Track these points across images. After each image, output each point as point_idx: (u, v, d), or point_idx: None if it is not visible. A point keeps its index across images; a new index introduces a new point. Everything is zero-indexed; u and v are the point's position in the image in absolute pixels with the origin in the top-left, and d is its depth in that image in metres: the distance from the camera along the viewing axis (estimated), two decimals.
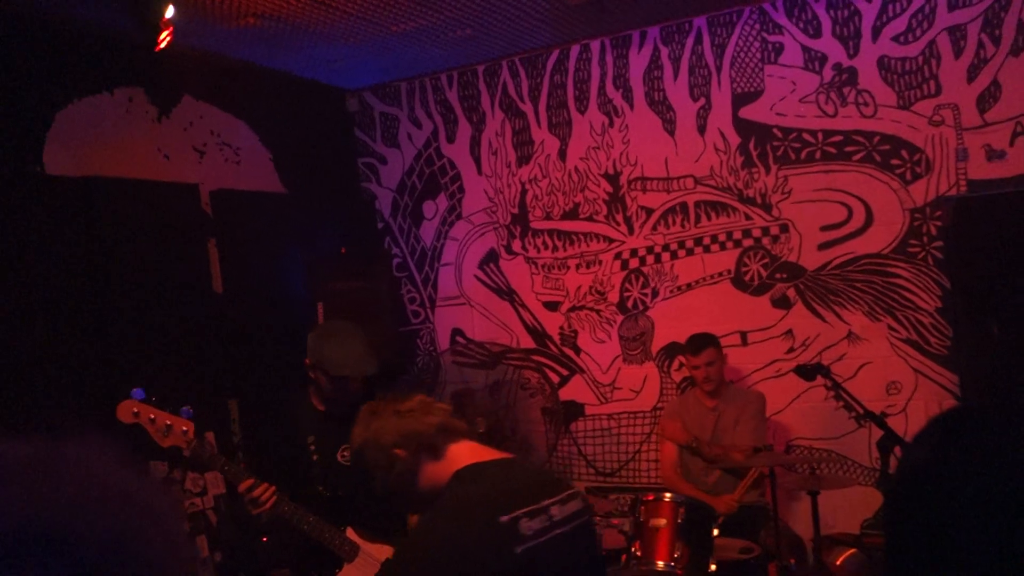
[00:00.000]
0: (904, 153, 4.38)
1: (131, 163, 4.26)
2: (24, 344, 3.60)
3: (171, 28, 3.66)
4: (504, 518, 1.88)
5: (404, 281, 5.74)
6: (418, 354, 5.71)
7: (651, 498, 3.56)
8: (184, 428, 2.86)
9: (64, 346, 3.74)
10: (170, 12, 3.59)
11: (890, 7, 4.36)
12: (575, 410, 5.25)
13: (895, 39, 4.37)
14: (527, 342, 5.37)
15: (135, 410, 2.79)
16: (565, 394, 5.27)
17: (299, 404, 3.27)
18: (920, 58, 4.32)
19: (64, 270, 3.82)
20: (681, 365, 4.90)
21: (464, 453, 2.09)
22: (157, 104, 4.44)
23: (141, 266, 4.12)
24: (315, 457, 3.33)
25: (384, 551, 3.14)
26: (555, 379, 5.29)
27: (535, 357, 5.34)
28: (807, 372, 3.63)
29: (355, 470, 3.22)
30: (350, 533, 3.20)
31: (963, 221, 4.14)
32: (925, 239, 4.35)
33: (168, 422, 2.84)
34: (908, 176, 4.38)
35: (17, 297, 3.60)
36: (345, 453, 3.26)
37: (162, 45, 3.68)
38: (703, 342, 4.40)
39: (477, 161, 5.46)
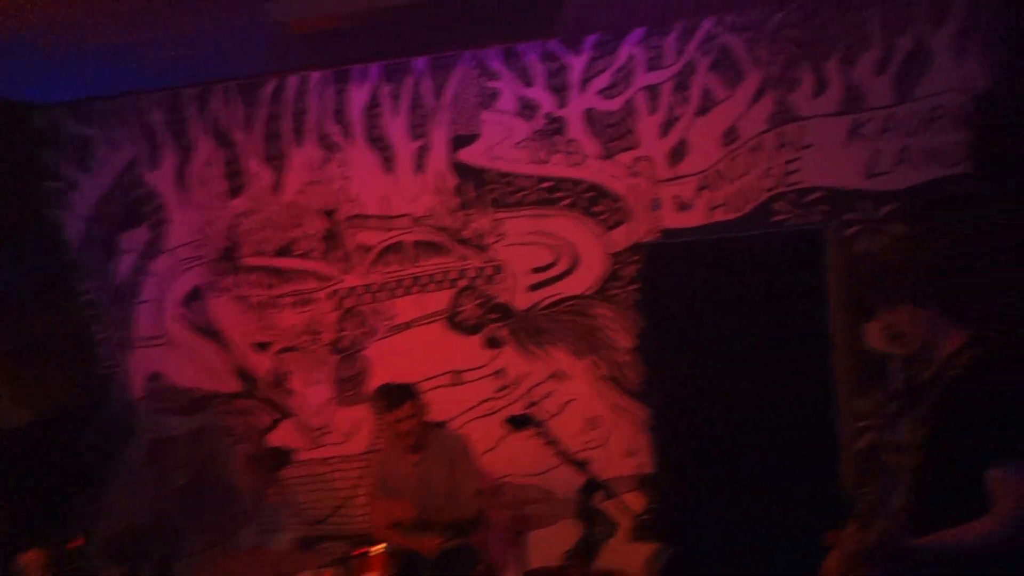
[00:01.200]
0: (607, 201, 4.64)
1: None
2: None
3: None
4: None
5: (95, 320, 5.17)
6: (111, 400, 5.15)
7: (360, 552, 3.40)
8: None
9: None
10: None
11: (596, 63, 4.63)
12: (284, 456, 4.95)
13: (600, 93, 4.64)
14: (234, 386, 5.02)
15: None
16: (274, 439, 4.97)
17: None
18: (621, 112, 4.62)
19: None
20: None
21: None
22: None
23: None
24: None
25: None
26: (263, 424, 4.98)
27: (242, 401, 5.00)
28: (518, 423, 3.68)
29: None
30: None
31: (655, 265, 4.42)
32: (623, 281, 4.61)
33: None
34: (610, 222, 4.63)
35: None
36: None
37: None
38: (400, 395, 4.18)
39: (184, 191, 5.08)
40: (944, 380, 2.16)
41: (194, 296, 5.08)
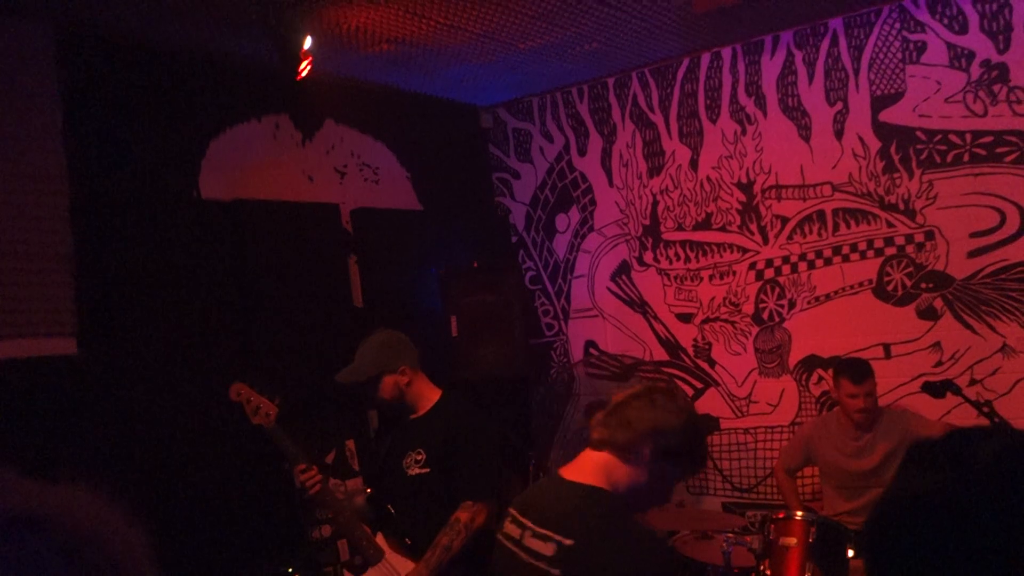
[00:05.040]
0: None
1: (277, 185, 4.53)
2: (181, 352, 3.90)
3: (311, 58, 3.88)
4: None
5: (538, 294, 5.81)
6: (552, 366, 5.77)
7: (781, 516, 3.47)
8: (268, 412, 3.26)
9: (215, 355, 4.03)
10: (308, 43, 3.81)
11: None
12: (710, 423, 5.16)
13: None
14: (660, 354, 5.32)
15: (240, 391, 3.29)
16: (699, 407, 5.18)
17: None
18: None
19: (215, 286, 4.10)
20: (820, 379, 4.73)
21: None
22: (301, 129, 4.71)
23: (286, 282, 4.37)
24: (380, 459, 3.42)
25: (406, 566, 3.15)
26: (689, 392, 5.22)
27: (668, 370, 5.29)
28: (935, 389, 3.42)
29: (411, 481, 3.27)
30: (379, 539, 3.26)
31: None
32: None
33: (259, 404, 3.26)
34: None
35: (172, 308, 3.90)
36: (408, 461, 3.29)
37: (303, 74, 3.91)
38: (866, 370, 4.01)
39: (608, 173, 5.48)
40: None
41: (621, 270, 5.46)
